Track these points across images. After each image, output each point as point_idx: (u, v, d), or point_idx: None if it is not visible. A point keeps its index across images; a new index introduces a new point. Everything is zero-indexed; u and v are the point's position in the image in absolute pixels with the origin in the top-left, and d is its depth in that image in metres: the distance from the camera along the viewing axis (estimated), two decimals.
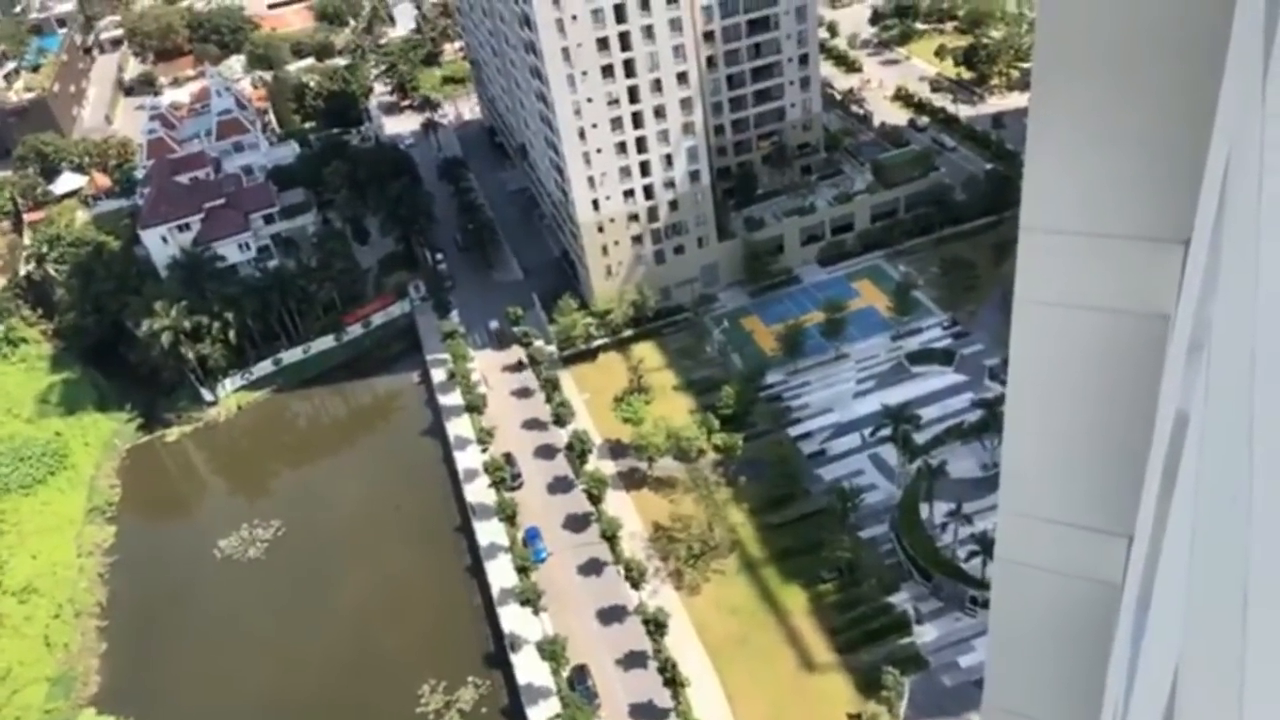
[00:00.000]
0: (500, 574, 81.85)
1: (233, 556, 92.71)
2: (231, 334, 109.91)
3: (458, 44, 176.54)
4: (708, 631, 74.38)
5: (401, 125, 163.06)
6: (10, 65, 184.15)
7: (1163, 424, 4.54)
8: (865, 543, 77.95)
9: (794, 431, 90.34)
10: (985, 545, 70.08)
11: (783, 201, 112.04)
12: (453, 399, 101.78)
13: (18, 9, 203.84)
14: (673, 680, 68.47)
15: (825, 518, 79.35)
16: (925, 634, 71.50)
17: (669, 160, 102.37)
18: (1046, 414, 5.29)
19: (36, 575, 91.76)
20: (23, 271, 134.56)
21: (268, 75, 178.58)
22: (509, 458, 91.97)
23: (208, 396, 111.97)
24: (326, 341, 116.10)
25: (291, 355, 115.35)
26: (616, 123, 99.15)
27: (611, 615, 77.35)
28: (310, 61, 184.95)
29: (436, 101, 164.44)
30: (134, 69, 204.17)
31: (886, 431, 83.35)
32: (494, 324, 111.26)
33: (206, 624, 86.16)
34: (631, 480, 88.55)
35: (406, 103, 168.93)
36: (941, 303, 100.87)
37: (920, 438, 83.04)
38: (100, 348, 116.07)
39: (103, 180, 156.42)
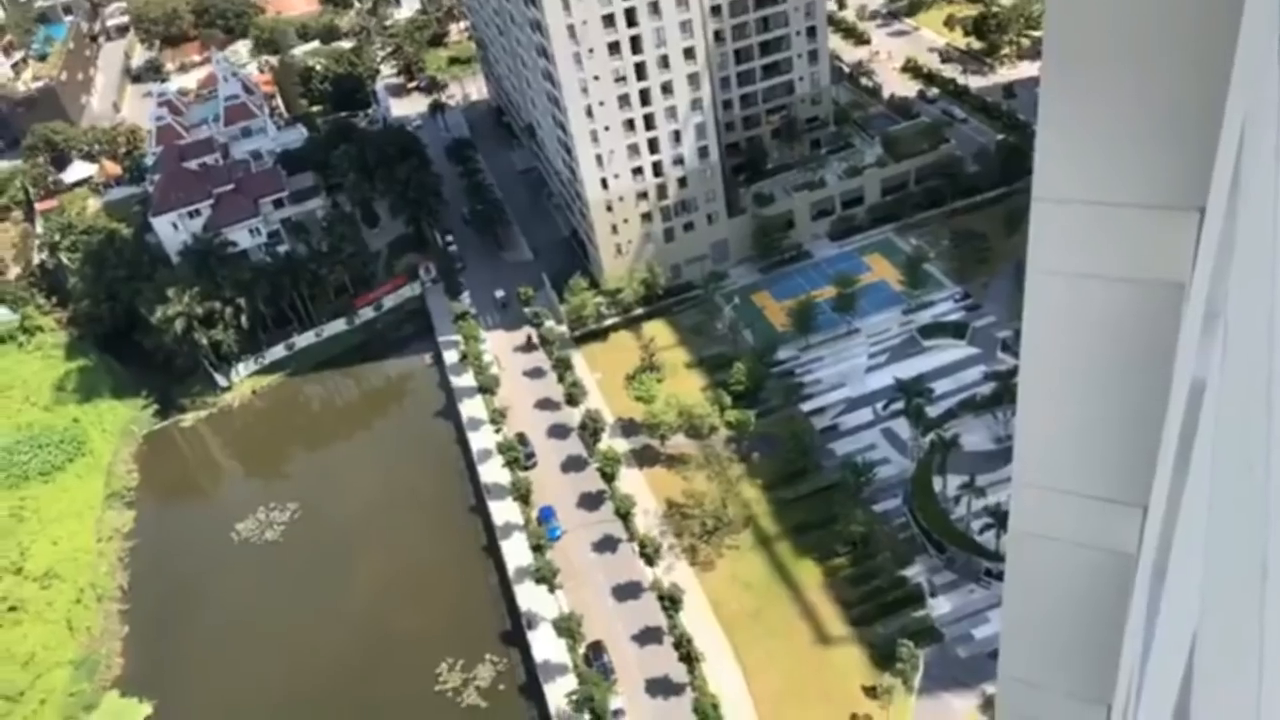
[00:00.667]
0: (515, 553, 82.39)
1: (250, 540, 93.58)
2: (244, 319, 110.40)
3: (463, 24, 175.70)
4: (722, 607, 74.76)
5: (408, 107, 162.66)
6: (18, 55, 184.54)
7: (1178, 393, 4.52)
8: (879, 517, 78.04)
9: (806, 407, 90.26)
10: (999, 518, 70.07)
11: (792, 176, 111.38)
12: (465, 380, 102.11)
13: None
14: (688, 655, 68.94)
15: (838, 492, 79.42)
16: (939, 606, 71.68)
17: (677, 137, 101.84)
18: (1060, 385, 5.28)
19: (58, 561, 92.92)
20: (36, 260, 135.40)
21: (274, 59, 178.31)
22: (522, 438, 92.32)
23: (222, 382, 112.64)
24: (338, 325, 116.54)
25: (304, 339, 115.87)
26: (624, 100, 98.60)
27: (626, 592, 77.84)
28: (316, 44, 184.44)
29: (443, 82, 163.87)
30: (141, 56, 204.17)
31: (899, 405, 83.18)
32: (500, 293, 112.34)
33: (226, 606, 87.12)
34: (644, 458, 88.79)
35: (413, 84, 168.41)
36: (953, 275, 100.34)
37: (933, 411, 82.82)
38: (115, 335, 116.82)
39: (112, 168, 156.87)
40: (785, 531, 79.51)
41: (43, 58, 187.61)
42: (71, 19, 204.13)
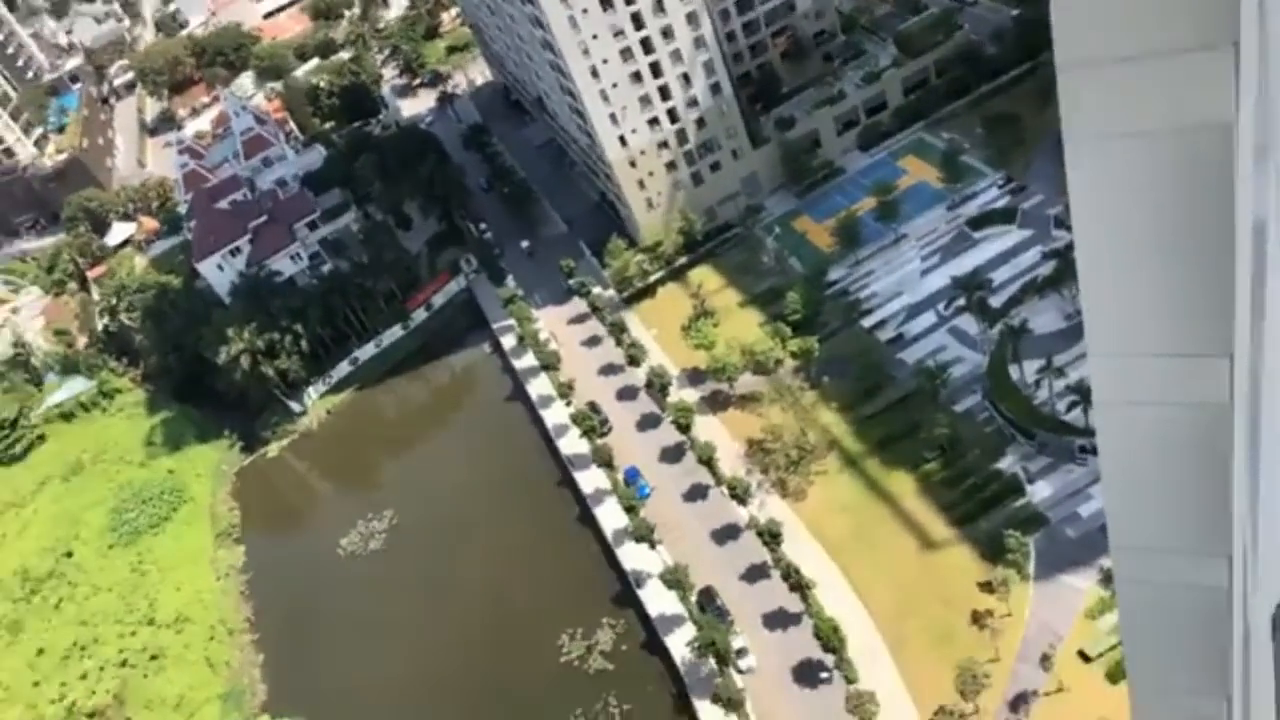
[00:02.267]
0: (610, 517, 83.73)
1: (355, 552, 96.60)
2: (304, 344, 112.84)
3: (454, 11, 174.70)
4: (822, 532, 75.18)
5: (418, 105, 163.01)
6: (37, 130, 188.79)
7: (1242, 235, 4.48)
8: (961, 416, 77.39)
9: (867, 322, 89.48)
10: (1083, 393, 68.90)
11: (810, 95, 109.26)
12: (527, 361, 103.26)
13: (30, 74, 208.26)
14: (798, 585, 69.61)
15: (916, 400, 78.91)
16: (1039, 492, 71.11)
17: (686, 79, 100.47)
18: (1120, 248, 5.20)
19: (185, 605, 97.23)
20: (99, 326, 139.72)
21: (278, 85, 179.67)
22: (593, 406, 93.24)
23: (296, 408, 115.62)
24: (395, 332, 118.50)
25: (365, 352, 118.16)
26: (626, 53, 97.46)
27: (725, 535, 78.71)
28: (316, 62, 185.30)
29: (446, 74, 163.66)
30: (152, 109, 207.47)
31: (961, 302, 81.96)
32: (525, 243, 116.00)
33: (347, 617, 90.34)
34: (716, 403, 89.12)
35: (417, 81, 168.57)
36: (992, 162, 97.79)
37: (996, 301, 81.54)
38: (187, 382, 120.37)
39: (150, 223, 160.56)
40: (870, 448, 79.40)
41: (61, 129, 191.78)
42: (79, 86, 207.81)
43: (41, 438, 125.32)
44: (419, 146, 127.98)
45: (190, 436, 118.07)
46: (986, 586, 66.24)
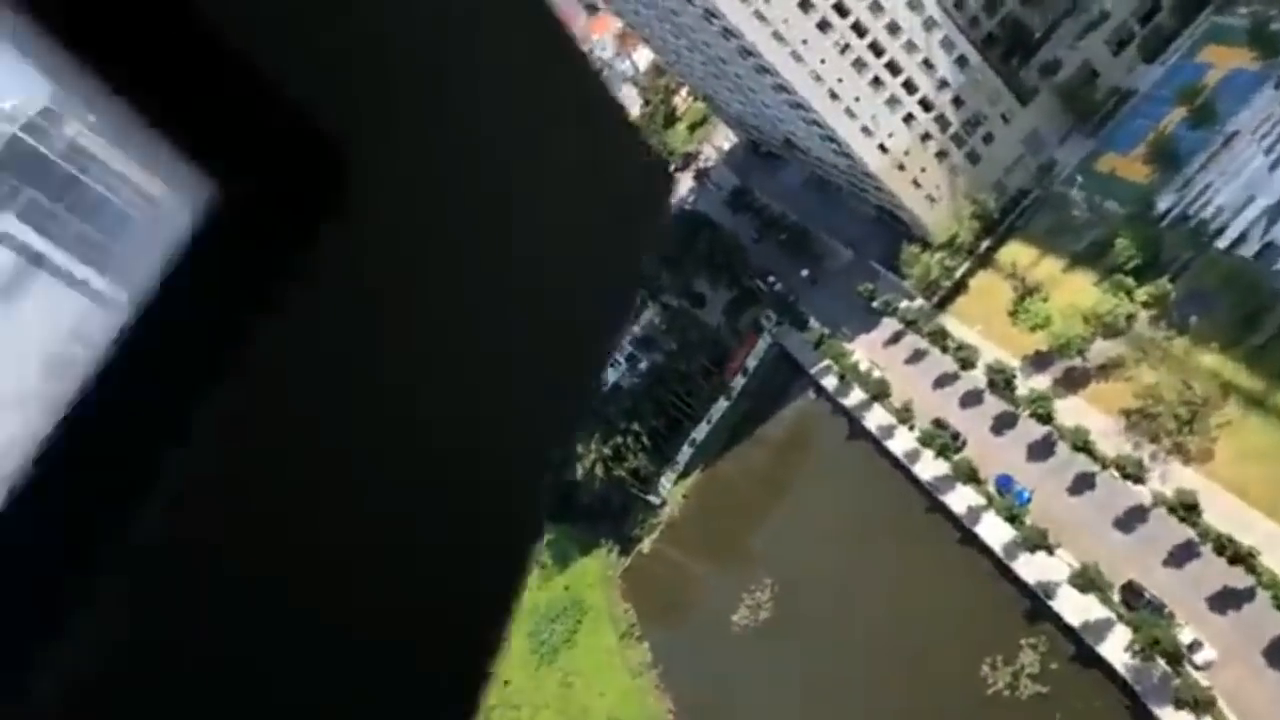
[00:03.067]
0: (993, 532, 78.50)
1: (749, 625, 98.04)
2: (645, 439, 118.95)
3: (684, 91, 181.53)
4: (1246, 489, 65.23)
5: (678, 190, 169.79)
6: None
7: None
8: None
9: (1223, 242, 78.25)
10: None
11: (1067, 27, 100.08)
12: (855, 396, 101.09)
13: None
14: (1236, 555, 60.58)
15: None
16: None
17: (928, 64, 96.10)
18: None
19: (612, 708, 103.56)
20: None
21: None
22: (939, 423, 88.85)
23: (655, 500, 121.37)
24: (721, 405, 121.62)
25: (700, 431, 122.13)
26: (859, 64, 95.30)
27: (1131, 520, 70.72)
28: None
29: (695, 151, 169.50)
30: None
31: None
32: (805, 272, 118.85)
33: (759, 688, 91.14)
34: (1072, 381, 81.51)
35: (672, 169, 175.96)
36: None
37: None
38: (558, 504, 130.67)
39: None
40: (1275, 379, 68.38)
41: None
42: None
43: None
44: (690, 228, 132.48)
45: (574, 553, 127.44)
46: None
